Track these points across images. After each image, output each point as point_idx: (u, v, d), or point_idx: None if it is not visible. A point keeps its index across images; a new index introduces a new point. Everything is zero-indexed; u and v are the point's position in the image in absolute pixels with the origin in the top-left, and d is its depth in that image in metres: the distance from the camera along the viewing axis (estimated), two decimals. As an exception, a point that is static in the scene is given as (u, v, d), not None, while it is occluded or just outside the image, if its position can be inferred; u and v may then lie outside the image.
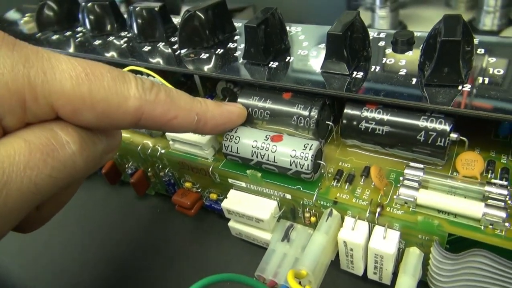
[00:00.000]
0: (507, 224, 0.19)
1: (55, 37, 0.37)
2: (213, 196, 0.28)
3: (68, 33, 0.37)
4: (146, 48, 0.32)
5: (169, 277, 0.27)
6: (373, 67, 0.24)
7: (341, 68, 0.24)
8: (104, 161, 0.19)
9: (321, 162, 0.23)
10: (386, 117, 0.22)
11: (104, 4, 0.34)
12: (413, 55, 0.24)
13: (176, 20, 0.34)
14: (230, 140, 0.25)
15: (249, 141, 0.24)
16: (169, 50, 0.31)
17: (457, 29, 0.20)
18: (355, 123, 0.23)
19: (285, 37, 0.28)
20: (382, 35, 0.27)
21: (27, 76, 0.15)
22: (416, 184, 0.21)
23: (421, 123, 0.21)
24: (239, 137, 0.25)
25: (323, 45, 0.27)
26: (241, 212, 0.25)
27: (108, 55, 0.33)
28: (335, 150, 0.25)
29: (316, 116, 0.23)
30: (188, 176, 0.29)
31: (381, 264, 0.22)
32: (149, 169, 0.31)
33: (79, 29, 0.37)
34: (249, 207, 0.25)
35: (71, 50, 0.35)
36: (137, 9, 0.32)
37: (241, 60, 0.28)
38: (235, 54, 0.29)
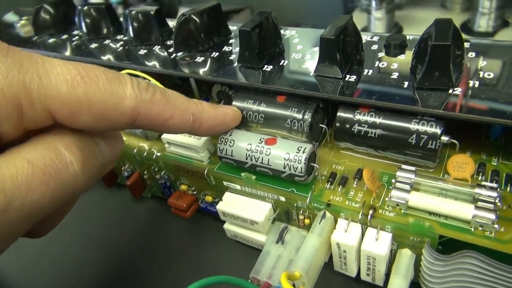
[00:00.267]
0: (496, 226, 0.19)
1: (51, 40, 0.37)
2: (209, 198, 0.28)
3: (64, 36, 0.37)
4: (142, 52, 0.32)
5: (165, 279, 0.28)
6: (366, 70, 0.24)
7: (334, 72, 0.24)
8: (104, 173, 0.20)
9: (315, 165, 0.23)
10: (378, 120, 0.23)
11: (100, 8, 0.34)
12: (405, 59, 0.25)
13: (172, 23, 0.35)
14: (225, 143, 0.25)
15: (244, 144, 0.24)
16: (165, 54, 0.31)
17: (447, 34, 0.21)
18: (348, 126, 0.23)
19: (279, 40, 0.28)
20: (375, 38, 0.27)
21: (22, 81, 0.15)
22: (407, 187, 0.21)
23: (413, 126, 0.22)
24: (233, 140, 0.25)
25: (317, 49, 0.28)
26: (236, 215, 0.25)
27: (104, 58, 0.33)
28: (328, 153, 0.26)
29: (309, 119, 0.24)
30: (184, 178, 0.29)
31: (373, 265, 0.22)
32: (145, 172, 0.31)
33: (75, 32, 0.38)
34: (244, 210, 0.25)
35: (68, 53, 0.35)
36: (132, 12, 0.32)
37: (236, 64, 0.28)
38: (230, 58, 0.29)
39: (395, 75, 0.23)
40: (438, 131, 0.21)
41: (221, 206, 0.26)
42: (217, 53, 0.30)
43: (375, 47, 0.26)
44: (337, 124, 0.24)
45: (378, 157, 0.24)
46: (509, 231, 0.19)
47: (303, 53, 0.28)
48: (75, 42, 0.36)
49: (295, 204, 0.24)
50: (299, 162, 0.23)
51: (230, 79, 0.27)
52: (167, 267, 0.28)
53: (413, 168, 0.22)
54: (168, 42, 0.32)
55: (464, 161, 0.22)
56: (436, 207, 0.20)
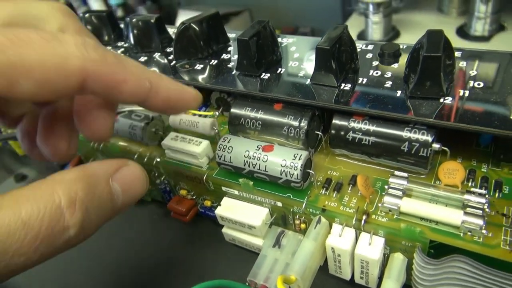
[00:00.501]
0: (484, 231, 0.20)
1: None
2: (208, 203, 0.29)
3: (66, 43, 0.38)
4: (143, 59, 0.33)
5: (164, 282, 0.28)
6: (361, 79, 0.25)
7: (329, 80, 0.25)
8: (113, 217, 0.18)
9: (310, 171, 0.24)
10: (372, 128, 0.23)
11: (101, 16, 0.35)
12: (399, 68, 0.25)
13: (172, 30, 0.35)
14: (224, 150, 0.26)
15: (242, 150, 0.25)
16: (165, 61, 0.32)
17: (438, 45, 0.21)
18: (342, 133, 0.24)
19: (277, 48, 0.29)
20: (370, 47, 0.28)
21: None
22: (400, 193, 0.22)
23: (405, 134, 0.22)
24: (232, 147, 0.25)
25: (313, 56, 0.28)
26: (234, 219, 0.26)
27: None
28: (324, 159, 0.26)
29: (305, 127, 0.24)
30: (183, 183, 0.30)
31: (367, 269, 0.23)
32: (145, 177, 0.32)
33: (77, 38, 0.38)
34: (241, 214, 0.26)
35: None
36: (133, 20, 0.32)
37: (234, 71, 0.29)
38: (228, 65, 0.29)
39: (388, 84, 0.24)
40: (429, 139, 0.22)
41: (219, 211, 0.27)
42: (216, 61, 0.30)
43: (369, 55, 0.27)
44: (332, 132, 0.24)
45: (372, 163, 0.25)
46: (497, 236, 0.20)
47: (299, 61, 0.28)
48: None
49: (291, 209, 0.25)
50: (295, 168, 0.23)
51: (228, 86, 0.28)
52: (166, 270, 0.29)
53: (405, 175, 0.23)
54: (168, 49, 0.33)
55: (454, 168, 0.23)
56: (427, 213, 0.21)
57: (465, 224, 0.20)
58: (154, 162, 0.29)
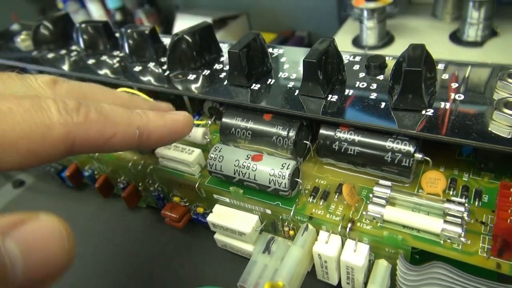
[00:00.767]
0: (463, 239, 0.20)
1: (50, 55, 0.39)
2: (200, 209, 0.30)
3: (63, 52, 0.39)
4: (137, 68, 0.34)
5: (158, 286, 0.29)
6: (347, 90, 0.26)
7: (317, 92, 0.26)
8: None
9: (298, 180, 0.25)
10: (357, 138, 0.24)
11: (97, 26, 0.36)
12: (384, 79, 0.26)
13: (166, 39, 0.36)
14: (215, 159, 0.26)
15: (232, 160, 0.26)
16: (159, 70, 0.33)
17: (420, 59, 0.22)
18: (329, 143, 0.25)
19: (267, 59, 0.29)
20: (357, 58, 0.29)
21: None
22: (383, 201, 0.23)
23: (388, 144, 0.23)
24: (222, 156, 0.26)
25: (302, 68, 0.29)
26: (225, 226, 0.27)
27: (101, 73, 0.34)
28: (312, 167, 0.27)
29: (294, 137, 0.25)
30: (176, 191, 0.30)
31: (352, 275, 0.23)
32: (140, 184, 0.32)
33: (73, 47, 0.39)
34: (232, 221, 0.27)
35: (66, 68, 0.37)
36: (128, 31, 0.33)
37: (225, 82, 0.29)
38: (220, 76, 0.30)
39: (373, 96, 0.25)
40: (411, 149, 0.22)
41: (211, 218, 0.27)
42: (208, 71, 0.31)
43: (356, 67, 0.28)
44: (320, 141, 0.25)
45: (358, 172, 0.26)
46: (475, 244, 0.21)
47: (289, 72, 0.29)
48: (73, 58, 0.38)
49: (280, 217, 0.26)
50: (283, 177, 0.24)
51: (220, 96, 0.28)
52: (160, 275, 0.30)
53: (389, 184, 0.23)
54: (162, 59, 0.34)
55: (436, 177, 0.23)
56: (409, 221, 0.22)
57: (445, 232, 0.21)
58: (148, 170, 0.30)
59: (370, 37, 0.56)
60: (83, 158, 0.35)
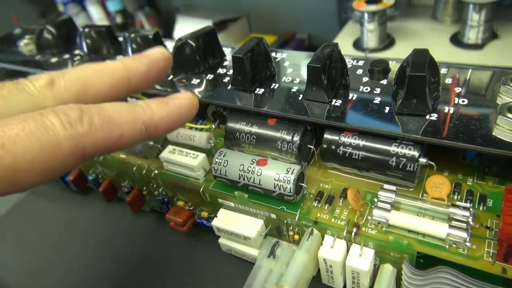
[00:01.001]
0: (468, 243, 0.20)
1: (54, 59, 0.39)
2: (205, 214, 0.30)
3: (66, 56, 0.39)
4: (141, 73, 0.34)
5: (163, 291, 0.29)
6: (351, 95, 0.26)
7: (321, 97, 0.26)
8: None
9: (303, 184, 0.25)
10: (361, 143, 0.24)
11: (100, 30, 0.36)
12: (387, 84, 0.26)
13: (170, 43, 0.36)
14: (219, 164, 0.26)
15: (236, 164, 0.26)
16: (162, 75, 0.33)
17: (423, 64, 0.22)
18: (333, 147, 0.25)
19: (270, 64, 0.30)
20: (361, 63, 0.29)
21: None
22: (388, 206, 0.23)
23: (393, 149, 0.23)
24: (227, 161, 0.26)
25: (305, 72, 0.29)
26: (230, 230, 0.27)
27: (104, 78, 0.34)
28: (316, 172, 0.27)
29: (298, 141, 0.25)
30: (181, 195, 0.30)
31: (358, 279, 0.23)
32: (144, 188, 0.32)
33: (77, 52, 0.39)
34: (237, 226, 0.27)
35: (70, 72, 0.37)
36: (132, 35, 0.33)
37: (229, 86, 0.29)
38: (224, 80, 0.30)
39: (377, 100, 0.25)
40: (416, 154, 0.23)
41: (216, 222, 0.27)
42: (212, 75, 0.31)
43: (360, 71, 0.28)
44: (324, 146, 0.25)
45: (363, 176, 0.26)
46: (480, 248, 0.21)
47: (292, 76, 0.29)
48: (77, 62, 0.38)
49: (285, 221, 0.26)
50: (288, 182, 0.24)
51: (224, 101, 0.29)
52: (164, 280, 0.30)
53: (394, 188, 0.23)
54: (166, 63, 0.34)
55: (440, 182, 0.23)
56: (414, 226, 0.22)
57: (450, 237, 0.21)
58: (153, 174, 0.30)
59: (371, 39, 0.57)
60: (87, 163, 0.35)
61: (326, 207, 0.25)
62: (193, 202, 0.30)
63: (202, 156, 0.28)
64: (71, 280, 0.32)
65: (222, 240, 0.29)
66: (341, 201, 0.25)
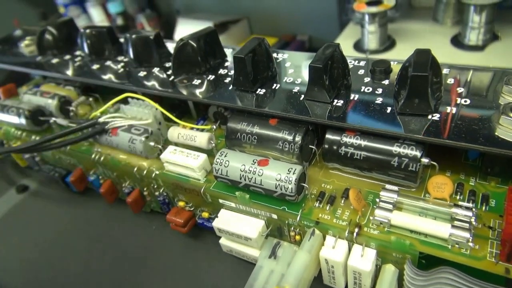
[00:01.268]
0: (471, 244, 0.20)
1: (55, 60, 0.39)
2: (205, 214, 0.30)
3: (67, 57, 0.39)
4: (142, 73, 0.34)
5: (164, 292, 0.29)
6: (353, 95, 0.26)
7: (322, 97, 0.26)
8: None
9: (305, 184, 0.25)
10: (363, 143, 0.24)
11: (101, 31, 0.36)
12: (389, 84, 0.26)
13: (171, 44, 0.36)
14: (220, 164, 0.26)
15: (238, 165, 0.26)
16: (164, 76, 0.33)
17: (425, 64, 0.22)
18: (335, 148, 0.25)
19: (272, 64, 0.30)
20: (362, 63, 0.29)
21: None
22: (390, 206, 0.23)
23: (395, 149, 0.23)
24: (228, 161, 0.26)
25: (307, 72, 0.29)
26: (231, 231, 0.27)
27: (105, 78, 0.35)
28: (318, 172, 0.27)
29: (299, 142, 0.25)
30: (182, 195, 0.30)
31: (359, 280, 0.23)
32: (145, 189, 0.32)
33: (77, 53, 0.39)
34: (238, 226, 0.27)
35: (70, 73, 0.37)
36: (133, 37, 0.33)
37: (230, 87, 0.29)
38: (225, 81, 0.30)
39: (379, 100, 0.25)
40: (418, 154, 0.22)
41: (216, 223, 0.27)
42: (213, 76, 0.31)
43: (361, 72, 0.28)
44: (326, 146, 0.25)
45: (364, 176, 0.26)
46: (483, 249, 0.21)
47: (294, 77, 0.29)
48: (78, 63, 0.38)
49: (286, 222, 0.26)
50: (290, 182, 0.24)
51: (225, 101, 0.28)
52: (165, 281, 0.30)
53: (396, 188, 0.23)
54: (167, 64, 0.34)
55: (443, 182, 0.23)
56: (416, 226, 0.22)
57: (453, 237, 0.21)
58: (153, 174, 0.30)
59: (371, 41, 0.57)
60: (87, 163, 0.35)
61: (327, 208, 0.25)
62: (194, 202, 0.30)
63: (203, 156, 0.28)
64: (71, 281, 0.31)
65: (223, 241, 0.29)
66: (342, 201, 0.25)
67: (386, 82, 0.26)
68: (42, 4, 0.88)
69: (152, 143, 0.30)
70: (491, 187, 0.23)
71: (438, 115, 0.23)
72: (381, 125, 0.23)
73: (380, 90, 0.26)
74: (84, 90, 0.39)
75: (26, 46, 0.42)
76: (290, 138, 0.26)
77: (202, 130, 0.31)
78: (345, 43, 0.59)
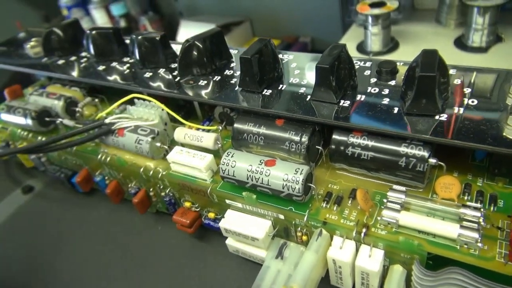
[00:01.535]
0: (480, 244, 0.20)
1: (60, 62, 0.39)
2: (212, 215, 0.30)
3: (73, 58, 0.39)
4: (148, 74, 0.34)
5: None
6: (359, 96, 0.26)
7: (329, 97, 0.26)
8: None
9: (312, 185, 0.25)
10: (370, 143, 0.24)
11: (107, 32, 0.36)
12: (396, 84, 0.26)
13: (176, 46, 0.36)
14: (227, 164, 0.26)
15: (245, 165, 0.26)
16: (170, 76, 0.33)
17: (433, 65, 0.22)
18: (342, 148, 0.25)
19: (278, 65, 0.30)
20: (368, 64, 0.29)
21: None
22: (398, 206, 0.23)
23: (402, 149, 0.23)
24: (235, 161, 0.26)
25: (313, 73, 0.29)
26: (238, 232, 0.27)
27: (111, 79, 0.35)
28: (325, 173, 0.27)
29: (306, 142, 0.25)
30: (188, 196, 0.30)
31: (367, 280, 0.23)
32: (151, 189, 0.32)
33: (83, 54, 0.39)
34: (245, 227, 0.27)
35: (76, 74, 0.37)
36: (139, 38, 0.33)
37: (237, 87, 0.30)
38: (231, 82, 0.30)
39: (386, 101, 0.25)
40: (426, 154, 0.22)
41: (223, 224, 0.27)
42: (219, 77, 0.31)
43: (368, 72, 0.28)
44: (332, 147, 0.25)
45: (371, 177, 0.26)
46: (492, 249, 0.20)
47: (300, 78, 0.29)
48: (83, 64, 0.38)
49: (293, 222, 0.26)
50: (297, 183, 0.24)
51: (231, 102, 0.29)
52: (171, 282, 0.30)
53: (403, 189, 0.23)
54: (172, 65, 0.34)
55: (450, 182, 0.23)
56: (425, 226, 0.22)
57: (461, 237, 0.21)
58: (160, 175, 0.30)
59: (374, 43, 0.57)
60: (93, 164, 0.35)
61: (334, 208, 0.25)
62: (200, 203, 0.30)
63: (209, 157, 0.28)
64: (76, 281, 0.31)
65: (229, 241, 0.29)
66: (350, 201, 0.25)
67: (392, 82, 0.26)
68: (45, 7, 0.88)
69: (158, 144, 0.30)
70: (498, 188, 0.23)
71: (445, 116, 0.23)
72: (388, 125, 0.23)
73: (386, 91, 0.26)
74: (89, 91, 0.39)
75: (32, 48, 0.42)
76: (296, 138, 0.26)
77: (208, 130, 0.31)
78: (348, 45, 0.58)
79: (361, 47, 0.58)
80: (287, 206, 0.25)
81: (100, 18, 0.84)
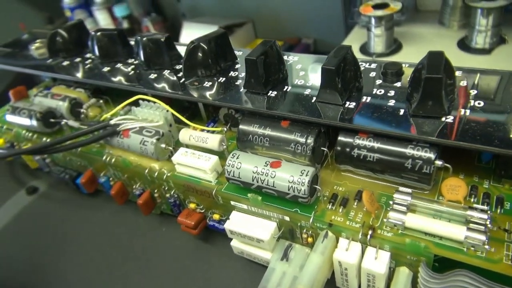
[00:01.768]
0: (487, 246, 0.20)
1: (65, 63, 0.39)
2: (216, 216, 0.30)
3: (78, 59, 0.39)
4: (153, 76, 0.34)
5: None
6: (365, 97, 0.26)
7: (334, 99, 0.26)
8: None
9: (317, 186, 0.25)
10: (376, 145, 0.24)
11: (112, 34, 0.36)
12: (401, 86, 0.26)
13: (180, 47, 0.36)
14: (232, 166, 0.26)
15: (250, 166, 0.26)
16: (174, 78, 0.33)
17: (439, 66, 0.22)
18: (348, 150, 0.25)
19: (283, 66, 0.30)
20: (373, 65, 0.29)
21: None
22: (404, 208, 0.23)
23: (408, 151, 0.23)
24: (240, 163, 0.26)
25: (317, 74, 0.29)
26: (243, 233, 0.27)
27: (116, 80, 0.35)
28: (330, 174, 0.27)
29: (312, 144, 0.25)
30: (193, 197, 0.30)
31: (373, 282, 0.23)
32: (155, 191, 0.32)
33: (88, 55, 0.40)
34: (250, 228, 0.27)
35: (80, 75, 0.37)
36: (144, 39, 0.34)
37: (241, 89, 0.30)
38: (236, 83, 0.30)
39: (391, 102, 0.25)
40: (432, 156, 0.22)
41: (228, 225, 0.27)
42: (224, 78, 0.31)
43: (373, 74, 0.28)
44: (338, 148, 0.25)
45: (377, 179, 0.26)
46: (499, 251, 0.20)
47: (305, 79, 0.29)
48: (88, 65, 0.38)
49: (299, 224, 0.26)
50: (302, 184, 0.24)
51: (236, 103, 0.29)
52: (175, 283, 0.30)
53: (409, 191, 0.23)
54: (177, 67, 0.34)
55: (457, 184, 0.23)
56: (431, 228, 0.22)
57: (468, 240, 0.21)
58: (164, 176, 0.30)
59: (377, 44, 0.57)
60: (98, 165, 0.35)
61: (340, 210, 0.25)
62: (205, 204, 0.30)
63: (214, 158, 0.28)
64: (81, 282, 0.32)
65: (234, 243, 0.29)
66: (355, 203, 0.25)
67: (398, 84, 0.26)
68: (48, 8, 0.89)
69: (163, 145, 0.30)
70: (505, 190, 0.23)
71: (451, 117, 0.23)
72: (394, 127, 0.23)
73: (392, 92, 0.26)
74: (94, 92, 0.39)
75: (37, 49, 0.42)
76: (302, 140, 0.26)
77: (213, 132, 0.31)
78: (351, 46, 0.59)
79: (364, 49, 0.58)
80: (293, 207, 0.25)
81: (103, 20, 0.84)
